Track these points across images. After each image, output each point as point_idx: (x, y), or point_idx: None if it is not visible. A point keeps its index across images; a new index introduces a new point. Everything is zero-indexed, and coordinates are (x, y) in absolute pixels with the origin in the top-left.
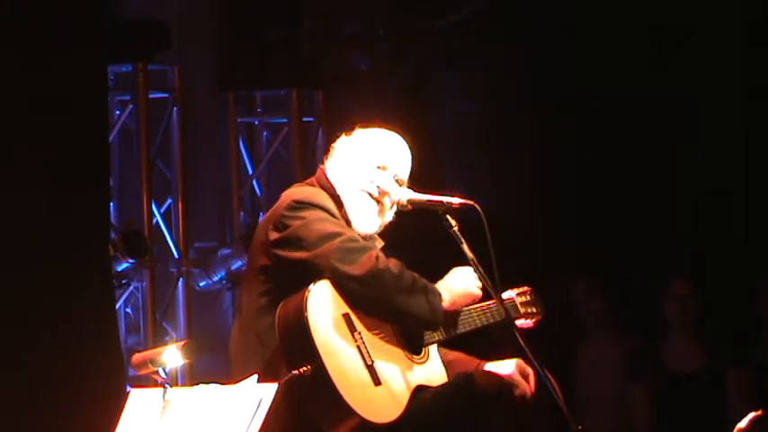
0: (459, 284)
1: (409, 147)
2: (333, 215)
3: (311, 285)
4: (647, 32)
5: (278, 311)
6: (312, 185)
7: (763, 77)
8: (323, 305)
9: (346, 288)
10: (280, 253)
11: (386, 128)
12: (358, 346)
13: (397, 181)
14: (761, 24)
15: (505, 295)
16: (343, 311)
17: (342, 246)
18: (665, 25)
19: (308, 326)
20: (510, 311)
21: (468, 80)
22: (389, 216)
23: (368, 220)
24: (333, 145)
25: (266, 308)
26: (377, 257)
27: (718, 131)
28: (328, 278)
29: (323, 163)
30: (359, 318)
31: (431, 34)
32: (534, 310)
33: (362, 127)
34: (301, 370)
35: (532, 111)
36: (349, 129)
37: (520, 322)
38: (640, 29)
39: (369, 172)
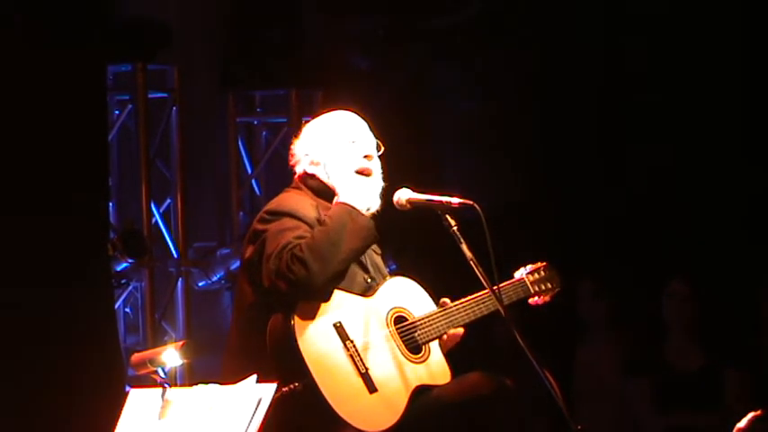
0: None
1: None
2: (301, 218)
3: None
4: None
5: (268, 328)
6: (297, 188)
7: (763, 77)
8: (310, 319)
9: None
10: (247, 273)
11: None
12: (350, 356)
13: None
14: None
15: (517, 274)
16: (334, 321)
17: (283, 255)
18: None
19: (296, 341)
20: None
21: (467, 80)
22: (380, 179)
23: (371, 198)
24: (293, 149)
25: (256, 322)
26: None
27: (717, 131)
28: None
29: (294, 168)
30: (351, 325)
31: (430, 34)
32: (549, 285)
33: (307, 122)
34: (291, 386)
35: (532, 110)
36: (295, 131)
37: (533, 300)
38: (640, 28)
39: (351, 150)
